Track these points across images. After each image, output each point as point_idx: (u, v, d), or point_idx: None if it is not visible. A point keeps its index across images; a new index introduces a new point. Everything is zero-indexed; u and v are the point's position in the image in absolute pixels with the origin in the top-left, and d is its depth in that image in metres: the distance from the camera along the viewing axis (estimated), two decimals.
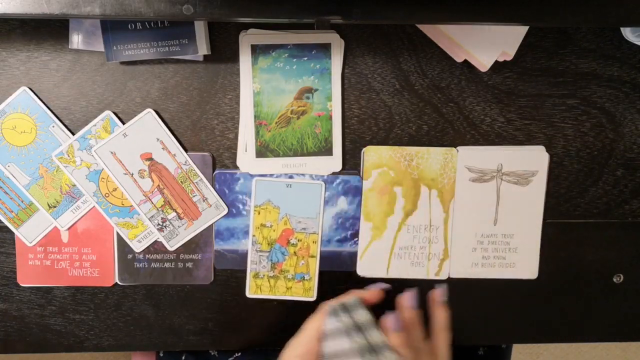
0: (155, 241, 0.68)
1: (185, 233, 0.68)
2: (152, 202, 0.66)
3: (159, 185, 0.66)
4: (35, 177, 0.66)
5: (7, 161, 0.65)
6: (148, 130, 0.65)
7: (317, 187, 0.68)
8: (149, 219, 0.67)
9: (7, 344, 0.71)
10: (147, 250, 0.69)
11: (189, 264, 0.69)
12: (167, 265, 0.69)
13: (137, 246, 0.68)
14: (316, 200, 0.68)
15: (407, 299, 0.63)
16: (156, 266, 0.69)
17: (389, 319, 0.58)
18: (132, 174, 0.65)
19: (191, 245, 0.69)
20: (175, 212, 0.67)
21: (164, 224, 0.67)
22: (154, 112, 0.65)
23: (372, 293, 0.62)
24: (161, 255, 0.69)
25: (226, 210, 0.68)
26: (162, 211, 0.67)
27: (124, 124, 0.65)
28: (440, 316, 0.64)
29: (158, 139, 0.66)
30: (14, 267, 0.69)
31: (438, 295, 0.65)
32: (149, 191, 0.66)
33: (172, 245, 0.68)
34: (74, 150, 0.65)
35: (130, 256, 0.69)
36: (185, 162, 0.66)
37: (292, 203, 0.68)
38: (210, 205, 0.67)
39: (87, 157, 0.65)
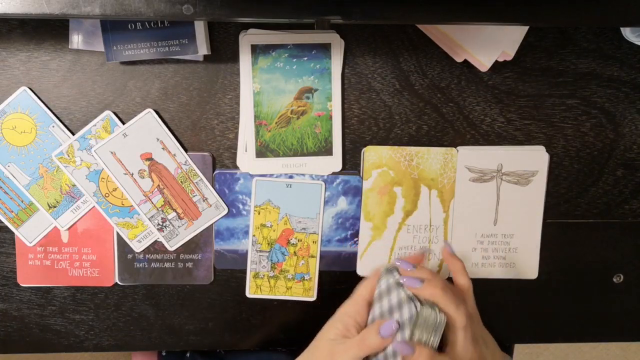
0: (155, 241, 0.68)
1: (186, 233, 0.68)
2: (152, 202, 0.66)
3: (159, 185, 0.66)
4: (35, 177, 0.66)
5: (7, 161, 0.65)
6: (148, 130, 0.65)
7: (317, 187, 0.68)
8: (149, 219, 0.67)
9: (7, 344, 0.71)
10: (147, 250, 0.69)
11: (189, 264, 0.69)
12: (167, 265, 0.69)
13: (137, 246, 0.68)
14: (316, 201, 0.68)
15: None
16: (156, 266, 0.69)
17: (401, 262, 0.56)
18: (132, 174, 0.65)
19: (191, 245, 0.69)
20: (175, 212, 0.67)
21: (164, 224, 0.67)
22: (154, 112, 0.65)
23: (417, 258, 0.58)
24: (161, 255, 0.69)
25: (226, 210, 0.68)
26: (162, 211, 0.67)
27: (124, 124, 0.65)
28: (457, 264, 0.58)
29: (158, 139, 0.66)
30: (14, 267, 0.69)
31: (448, 250, 0.60)
32: (149, 191, 0.66)
33: (172, 245, 0.68)
34: (74, 150, 0.65)
35: (130, 256, 0.69)
36: (185, 162, 0.66)
37: (292, 203, 0.68)
38: (210, 205, 0.67)
39: (87, 157, 0.65)
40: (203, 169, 0.67)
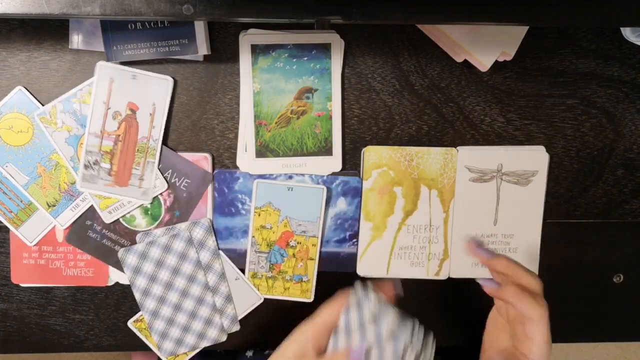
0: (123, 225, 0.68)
1: (101, 187, 0.66)
2: (101, 142, 0.65)
3: (119, 135, 0.65)
4: (34, 176, 0.66)
5: (5, 161, 0.65)
6: (154, 90, 0.64)
7: (319, 191, 0.68)
8: (85, 152, 0.65)
9: (7, 344, 0.71)
10: (108, 227, 0.68)
11: None
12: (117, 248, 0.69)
13: (108, 217, 0.67)
14: (317, 204, 0.68)
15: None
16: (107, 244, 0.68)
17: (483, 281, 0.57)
18: (109, 109, 0.64)
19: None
20: (110, 165, 0.65)
21: (92, 166, 0.65)
22: (172, 82, 0.65)
23: (387, 289, 0.56)
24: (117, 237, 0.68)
25: (146, 203, 0.67)
26: (102, 156, 0.65)
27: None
28: (502, 261, 0.57)
29: (154, 104, 0.65)
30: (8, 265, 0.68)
31: (476, 249, 0.59)
32: (108, 131, 0.65)
33: (82, 186, 0.65)
34: (57, 112, 0.64)
35: (88, 222, 0.67)
36: (156, 140, 0.65)
37: (293, 206, 0.68)
38: (140, 187, 0.66)
39: (69, 120, 0.64)
40: (199, 183, 0.67)
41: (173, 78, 0.65)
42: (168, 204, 0.67)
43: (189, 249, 0.67)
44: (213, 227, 0.68)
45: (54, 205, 0.66)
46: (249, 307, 0.70)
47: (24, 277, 0.69)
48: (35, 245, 0.68)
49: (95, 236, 0.68)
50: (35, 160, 0.66)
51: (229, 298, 0.69)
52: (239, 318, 0.70)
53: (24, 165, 0.66)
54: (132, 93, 0.64)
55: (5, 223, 0.67)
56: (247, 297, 0.70)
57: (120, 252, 0.67)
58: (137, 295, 0.68)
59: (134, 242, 0.68)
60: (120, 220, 0.68)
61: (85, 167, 0.65)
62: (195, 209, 0.68)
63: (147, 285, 0.67)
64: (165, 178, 0.66)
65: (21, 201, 0.67)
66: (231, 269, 0.69)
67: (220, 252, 0.69)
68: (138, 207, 0.67)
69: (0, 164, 0.65)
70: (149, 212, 0.67)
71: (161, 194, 0.67)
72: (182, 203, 0.67)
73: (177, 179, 0.67)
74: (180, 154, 0.66)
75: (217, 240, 0.69)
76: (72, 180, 0.66)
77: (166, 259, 0.67)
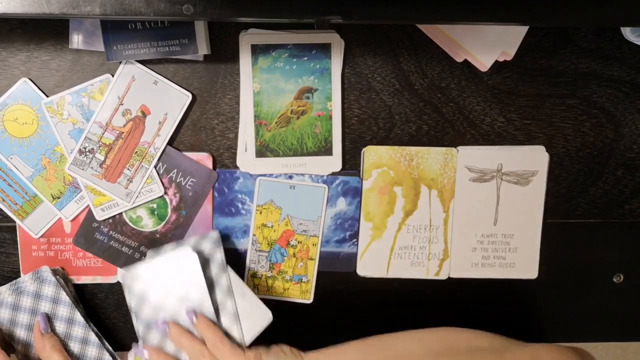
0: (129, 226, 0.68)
1: (88, 176, 0.65)
2: (103, 134, 0.65)
3: (123, 132, 0.65)
4: (38, 168, 0.66)
5: (10, 153, 0.65)
6: (171, 101, 0.65)
7: (320, 190, 0.68)
8: (84, 138, 0.65)
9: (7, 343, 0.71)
10: (113, 227, 0.68)
11: None
12: (124, 249, 0.69)
13: (100, 214, 0.67)
14: (318, 203, 0.68)
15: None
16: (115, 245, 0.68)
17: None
18: (122, 104, 0.64)
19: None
20: (105, 159, 0.65)
21: (87, 153, 0.65)
22: (190, 98, 0.65)
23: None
24: (124, 238, 0.68)
25: (126, 208, 0.66)
26: (99, 147, 0.65)
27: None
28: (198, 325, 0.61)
29: (166, 114, 0.65)
30: (15, 267, 0.68)
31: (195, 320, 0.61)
32: (113, 125, 0.65)
33: (70, 170, 0.65)
34: (64, 104, 0.64)
35: (95, 225, 0.68)
36: (157, 148, 0.65)
37: (294, 204, 0.68)
38: (126, 188, 0.66)
39: (75, 113, 0.64)
40: (204, 182, 0.67)
41: (192, 94, 0.65)
42: (174, 203, 0.67)
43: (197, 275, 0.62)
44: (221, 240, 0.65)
45: (59, 198, 0.66)
46: (258, 326, 0.65)
47: (33, 269, 0.68)
48: (42, 237, 0.68)
49: (103, 238, 0.68)
50: (39, 152, 0.66)
51: (234, 316, 0.64)
52: (248, 343, 0.64)
53: (29, 157, 0.66)
54: (148, 97, 0.65)
55: (11, 215, 0.67)
56: (255, 314, 0.64)
57: (126, 278, 0.62)
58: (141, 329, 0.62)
59: (141, 244, 0.68)
60: (127, 221, 0.68)
61: (80, 152, 0.65)
62: (200, 209, 0.68)
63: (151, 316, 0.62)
64: (170, 178, 0.66)
65: (26, 193, 0.67)
66: (238, 284, 0.65)
67: (228, 267, 0.65)
68: (138, 206, 0.67)
69: (5, 156, 0.65)
70: (156, 213, 0.68)
71: (166, 193, 0.67)
72: (188, 202, 0.68)
73: (182, 178, 0.67)
74: (185, 154, 0.67)
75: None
76: None
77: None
